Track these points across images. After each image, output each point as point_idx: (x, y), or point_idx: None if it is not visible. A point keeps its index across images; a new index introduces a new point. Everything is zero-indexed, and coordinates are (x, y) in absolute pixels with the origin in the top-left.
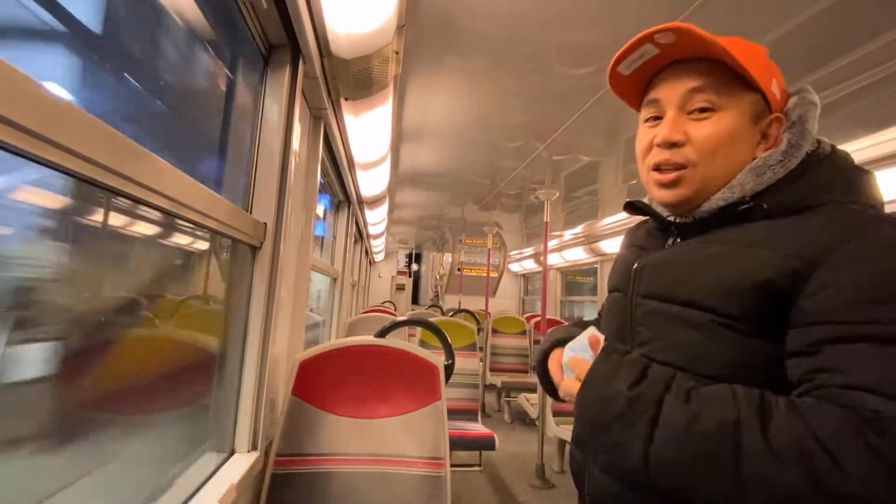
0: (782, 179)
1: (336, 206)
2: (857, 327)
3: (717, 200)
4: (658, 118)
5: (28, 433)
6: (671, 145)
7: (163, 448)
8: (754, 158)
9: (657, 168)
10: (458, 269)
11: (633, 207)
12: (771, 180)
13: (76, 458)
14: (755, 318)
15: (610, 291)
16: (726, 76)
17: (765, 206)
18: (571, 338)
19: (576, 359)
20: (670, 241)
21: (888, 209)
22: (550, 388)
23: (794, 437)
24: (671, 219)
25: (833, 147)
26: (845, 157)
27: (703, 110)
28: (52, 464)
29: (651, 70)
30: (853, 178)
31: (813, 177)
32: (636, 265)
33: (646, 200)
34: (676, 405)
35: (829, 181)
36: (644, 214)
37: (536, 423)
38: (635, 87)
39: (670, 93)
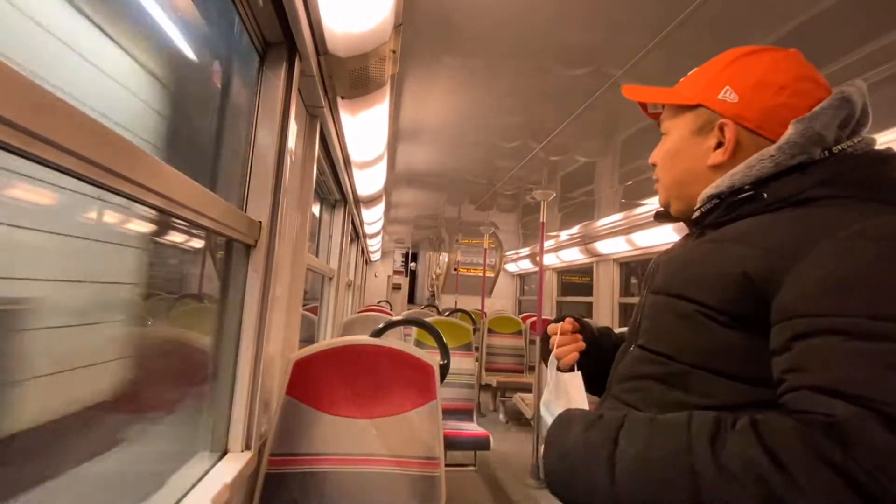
0: (790, 172)
1: (332, 205)
2: (823, 320)
3: (710, 189)
4: None
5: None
6: (653, 165)
7: (157, 447)
8: (713, 163)
9: None
10: (455, 269)
11: (658, 215)
12: (760, 173)
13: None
14: (733, 311)
15: None
16: (673, 106)
17: (765, 195)
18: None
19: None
20: (692, 239)
21: None
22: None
23: (746, 454)
24: (687, 218)
25: (871, 148)
26: (883, 157)
27: (664, 136)
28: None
29: None
30: (878, 176)
31: (821, 170)
32: (653, 264)
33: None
34: (631, 438)
35: (839, 175)
36: (669, 221)
37: (531, 422)
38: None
39: None
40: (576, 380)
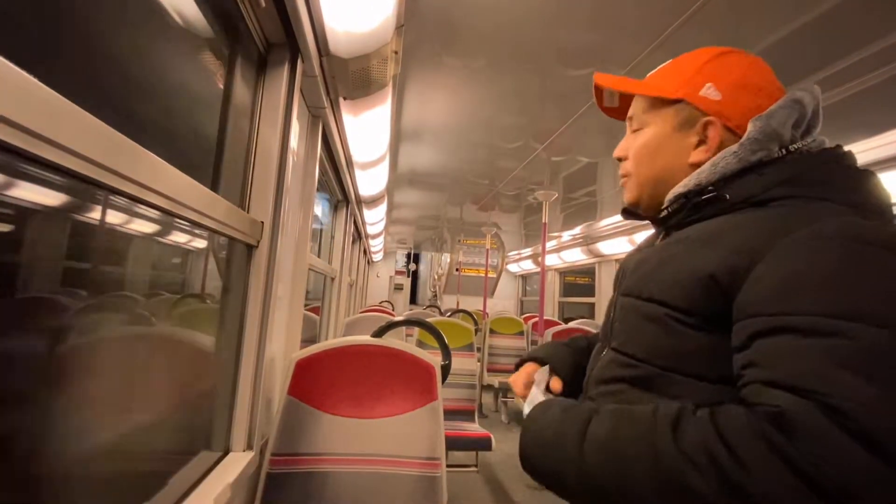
0: (746, 172)
1: (334, 206)
2: (779, 318)
3: (678, 188)
4: None
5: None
6: (619, 160)
7: (157, 447)
8: (694, 161)
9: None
10: (457, 270)
11: (626, 212)
12: (724, 171)
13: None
14: (702, 313)
15: None
16: (650, 99)
17: (727, 196)
18: (551, 357)
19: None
20: (658, 239)
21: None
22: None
23: (703, 440)
24: (654, 216)
25: (824, 146)
26: (836, 155)
27: (636, 130)
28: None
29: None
30: (834, 175)
31: (779, 170)
32: (623, 265)
33: None
34: (601, 421)
35: (797, 176)
36: (636, 218)
37: None
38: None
39: (627, 119)
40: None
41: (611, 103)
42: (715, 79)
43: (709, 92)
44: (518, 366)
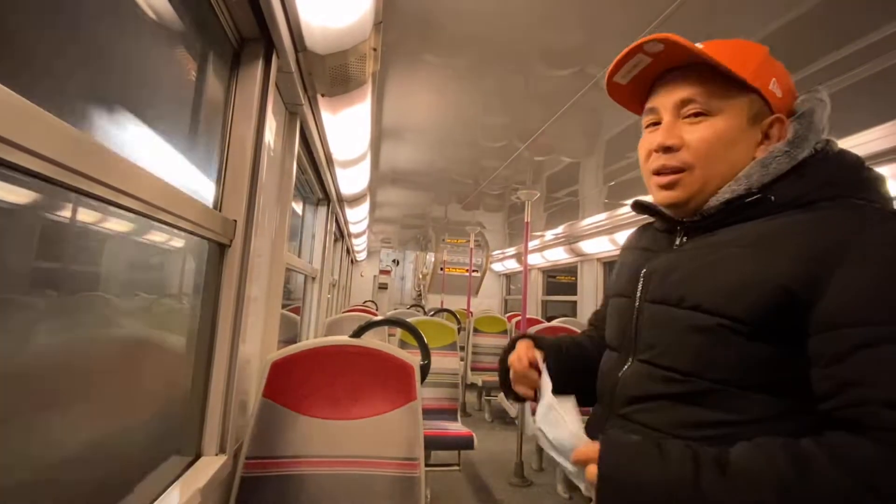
0: (790, 172)
1: (315, 204)
2: (881, 329)
3: (724, 193)
4: (657, 124)
5: None
6: (667, 149)
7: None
8: (759, 158)
9: (657, 172)
10: (442, 269)
11: (640, 206)
12: (777, 171)
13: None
14: (762, 322)
15: (612, 296)
16: (719, 80)
17: (772, 198)
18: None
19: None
20: (677, 241)
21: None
22: (505, 376)
23: (841, 492)
24: (681, 218)
25: (841, 148)
26: (854, 156)
27: (696, 115)
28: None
29: (649, 78)
30: (860, 175)
31: (818, 171)
32: (645, 270)
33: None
34: (717, 487)
35: (834, 176)
36: (651, 214)
37: (516, 421)
38: (635, 94)
39: (665, 100)
40: (568, 404)
41: (624, 79)
42: (777, 75)
43: (774, 88)
44: (509, 349)
